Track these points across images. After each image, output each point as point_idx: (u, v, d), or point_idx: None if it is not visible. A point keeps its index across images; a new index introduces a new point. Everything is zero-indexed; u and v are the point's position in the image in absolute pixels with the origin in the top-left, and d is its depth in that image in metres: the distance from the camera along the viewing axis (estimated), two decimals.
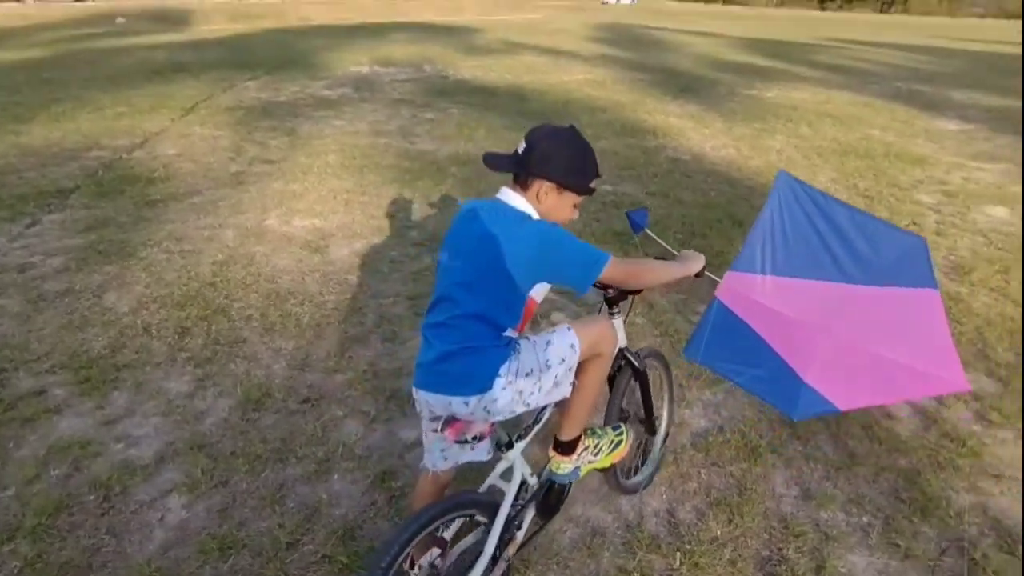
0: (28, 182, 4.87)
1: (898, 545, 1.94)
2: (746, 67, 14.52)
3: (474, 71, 11.63)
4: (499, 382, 1.36)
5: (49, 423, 2.34)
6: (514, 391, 1.38)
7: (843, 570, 1.86)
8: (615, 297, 1.72)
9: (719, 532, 1.97)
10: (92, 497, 2.02)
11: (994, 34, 38.88)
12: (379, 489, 2.09)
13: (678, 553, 1.89)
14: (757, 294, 1.49)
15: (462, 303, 1.38)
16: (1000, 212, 5.13)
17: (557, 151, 1.41)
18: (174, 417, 2.40)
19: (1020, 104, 10.80)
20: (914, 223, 4.73)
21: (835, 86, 11.91)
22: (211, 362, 2.74)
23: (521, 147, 1.41)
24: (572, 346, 1.46)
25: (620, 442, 1.76)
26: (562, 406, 1.61)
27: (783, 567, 1.86)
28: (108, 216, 4.25)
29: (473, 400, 1.36)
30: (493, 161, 1.47)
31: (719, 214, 4.68)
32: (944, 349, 1.45)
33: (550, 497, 1.71)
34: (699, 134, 7.47)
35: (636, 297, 1.80)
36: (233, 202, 4.63)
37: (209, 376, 2.65)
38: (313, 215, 4.44)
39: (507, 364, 1.37)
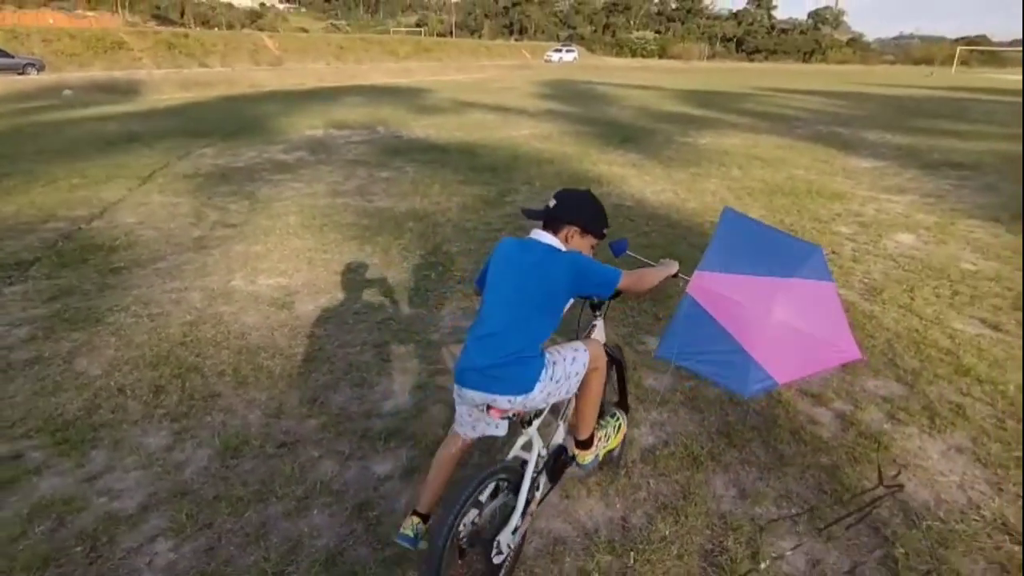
0: None
1: (821, 530, 2.22)
2: (681, 117, 15.56)
3: (426, 130, 12.13)
4: (538, 386, 1.75)
5: (30, 484, 2.42)
6: (546, 392, 1.79)
7: (774, 554, 2.11)
8: (598, 304, 2.21)
9: (667, 532, 2.20)
10: (79, 548, 2.11)
11: (902, 79, 42.45)
12: (357, 519, 2.25)
13: (632, 553, 2.11)
14: (719, 287, 1.91)
15: (510, 319, 1.76)
16: (907, 238, 5.71)
17: (581, 206, 1.92)
18: (154, 469, 2.52)
19: (924, 142, 11.92)
20: (833, 252, 5.23)
21: (763, 131, 12.89)
22: (187, 416, 2.86)
23: (552, 203, 1.89)
24: (584, 363, 1.89)
25: (620, 425, 2.28)
26: (571, 408, 2.09)
27: (723, 557, 2.10)
28: (72, 285, 4.33)
29: (517, 399, 1.74)
30: (531, 214, 1.98)
31: (660, 253, 5.01)
32: (842, 327, 1.92)
33: (557, 465, 2.10)
34: (640, 180, 8.01)
35: (611, 301, 2.16)
36: (198, 266, 4.77)
37: (186, 429, 2.77)
38: (278, 274, 4.62)
39: (544, 372, 1.76)
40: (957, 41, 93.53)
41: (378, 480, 2.47)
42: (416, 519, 1.90)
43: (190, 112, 15.01)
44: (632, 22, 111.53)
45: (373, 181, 7.69)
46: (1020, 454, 2.61)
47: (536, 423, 1.92)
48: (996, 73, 60.20)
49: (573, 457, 2.11)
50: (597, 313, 2.24)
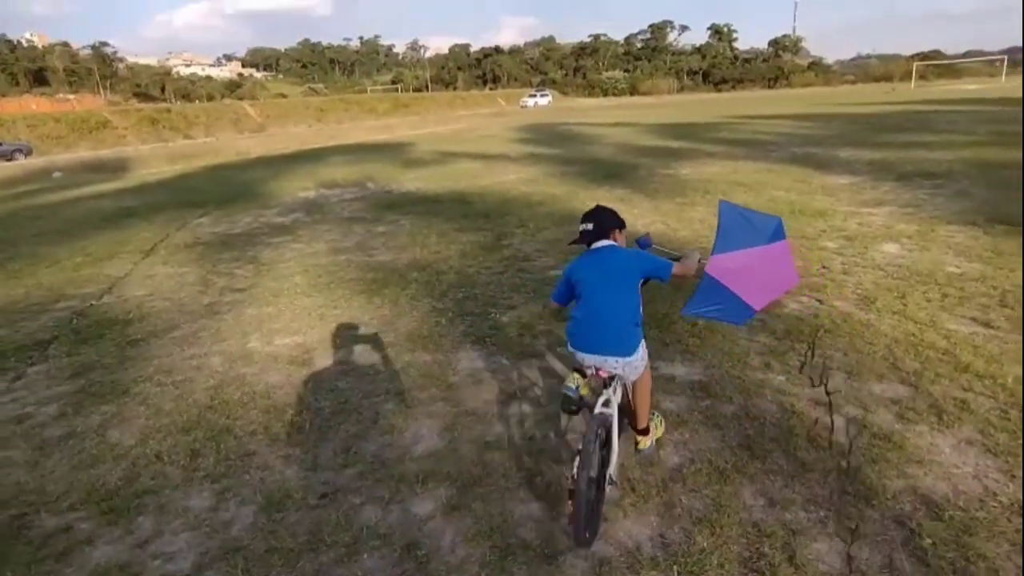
0: (2, 340, 4.99)
1: (851, 529, 2.32)
2: (660, 150, 16.07)
3: (415, 183, 12.47)
4: (637, 352, 2.50)
5: (83, 554, 2.49)
6: (638, 359, 2.52)
7: (810, 556, 2.21)
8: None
9: (705, 544, 2.30)
10: None
11: (865, 97, 43.92)
12: (407, 559, 2.34)
13: (675, 567, 2.21)
14: (726, 263, 2.61)
15: (609, 301, 2.46)
16: (892, 248, 5.95)
17: (609, 216, 2.66)
18: (203, 530, 2.59)
19: (895, 155, 12.39)
20: (824, 267, 5.45)
21: (740, 158, 13.33)
22: (227, 476, 2.94)
23: (590, 226, 2.59)
24: (646, 357, 2.63)
25: (661, 420, 3.02)
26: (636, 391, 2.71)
27: (762, 562, 2.20)
28: (92, 360, 4.43)
29: (621, 359, 2.46)
30: (582, 240, 2.64)
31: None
32: (791, 266, 2.81)
33: (621, 409, 2.69)
34: (629, 214, 8.26)
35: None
36: (213, 331, 4.89)
37: (228, 489, 2.85)
38: (292, 333, 4.74)
39: (640, 344, 2.53)
40: (912, 57, 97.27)
41: (421, 520, 2.56)
42: (578, 376, 2.65)
43: (181, 184, 15.32)
44: (601, 63, 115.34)
45: (371, 236, 7.90)
46: (1021, 446, 2.75)
47: (612, 385, 2.56)
48: (953, 84, 62.51)
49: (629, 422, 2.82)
50: None
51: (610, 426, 2.50)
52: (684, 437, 3.00)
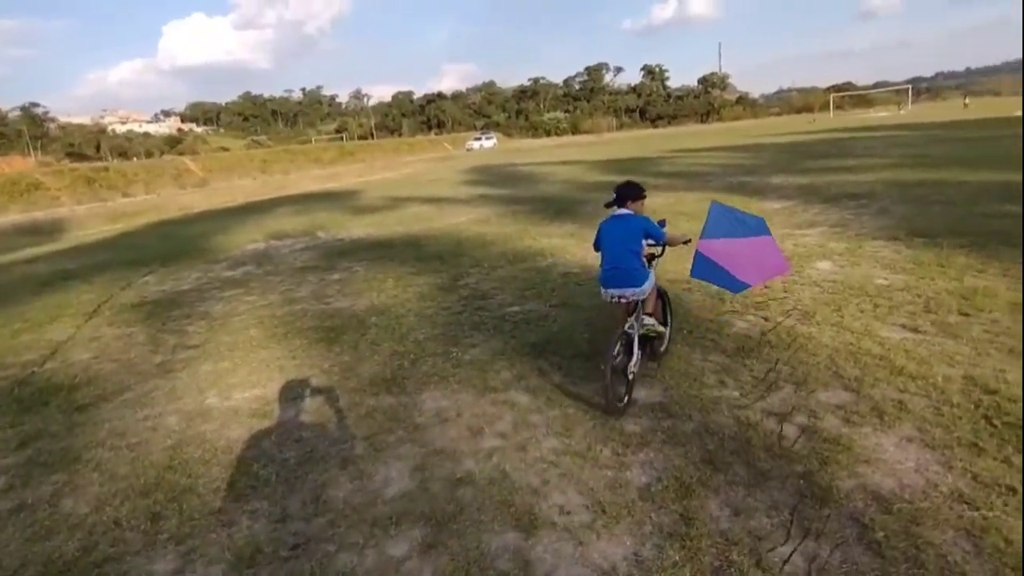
0: None
1: (810, 529, 2.45)
2: (606, 185, 16.61)
3: (367, 229, 12.49)
4: (647, 284, 3.61)
5: None
6: (648, 287, 3.64)
7: (776, 559, 2.32)
8: (656, 255, 4.05)
9: (677, 557, 2.38)
10: None
11: (790, 127, 46.76)
12: None
13: None
14: (715, 247, 3.67)
15: (624, 250, 3.62)
16: (825, 265, 6.33)
17: (631, 189, 3.85)
18: None
19: (821, 179, 13.23)
20: (766, 287, 5.74)
21: (681, 189, 13.94)
22: (191, 537, 2.86)
23: (614, 198, 3.85)
24: (654, 280, 3.79)
25: (664, 324, 4.16)
26: (646, 304, 3.83)
27: (732, 569, 2.29)
28: (39, 429, 4.23)
29: (637, 289, 3.58)
30: (612, 203, 3.86)
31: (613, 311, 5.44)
32: (779, 258, 3.73)
33: (643, 337, 3.85)
34: (581, 248, 8.52)
35: (663, 256, 4.09)
36: (167, 390, 4.75)
37: (194, 550, 2.77)
38: (251, 386, 4.66)
39: (648, 276, 3.65)
40: (828, 89, 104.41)
41: (398, 562, 2.55)
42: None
43: (122, 243, 14.86)
44: (542, 105, 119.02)
45: (326, 284, 7.86)
46: (962, 435, 2.97)
47: (637, 311, 3.74)
48: (866, 113, 67.24)
49: (649, 335, 3.96)
50: (654, 263, 4.03)
51: (632, 339, 3.70)
52: (650, 456, 3.10)
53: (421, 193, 19.51)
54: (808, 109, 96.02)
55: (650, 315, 3.87)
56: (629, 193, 3.86)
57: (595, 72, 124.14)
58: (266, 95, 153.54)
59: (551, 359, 4.50)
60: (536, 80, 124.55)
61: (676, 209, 10.95)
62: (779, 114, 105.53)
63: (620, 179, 14.76)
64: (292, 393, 4.44)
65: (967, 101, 58.47)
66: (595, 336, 4.86)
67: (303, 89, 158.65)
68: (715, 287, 4.07)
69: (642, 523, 2.61)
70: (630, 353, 3.66)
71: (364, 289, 7.32)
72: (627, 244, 3.66)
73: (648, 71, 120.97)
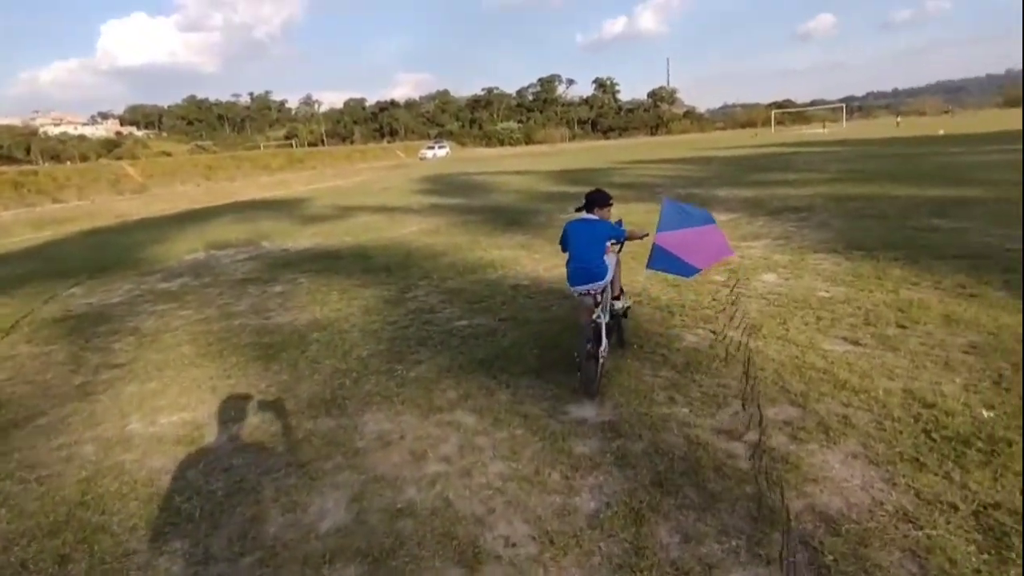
0: None
1: (761, 555, 2.40)
2: (558, 195, 16.70)
3: (313, 239, 12.10)
4: (607, 277, 4.02)
5: None
6: (608, 278, 4.05)
7: None
8: (619, 246, 4.43)
9: None
10: None
11: (734, 141, 48.39)
12: None
13: None
14: (669, 238, 4.04)
15: (589, 251, 3.99)
16: (770, 278, 6.45)
17: (600, 197, 4.25)
18: None
19: (765, 192, 13.62)
20: (713, 299, 5.79)
21: (631, 200, 14.07)
22: None
23: (584, 203, 4.25)
24: (614, 265, 4.28)
25: (628, 301, 4.77)
26: (613, 287, 4.40)
27: None
28: None
29: (602, 282, 3.95)
30: (581, 208, 4.27)
31: (563, 325, 5.37)
32: (724, 243, 4.23)
33: (611, 324, 4.21)
34: (531, 260, 8.45)
35: (624, 245, 4.45)
36: (85, 415, 4.38)
37: None
38: (180, 409, 4.34)
39: (608, 270, 4.04)
40: (770, 106, 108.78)
41: None
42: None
43: (49, 251, 13.94)
44: (496, 115, 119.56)
45: (267, 297, 7.52)
46: (903, 450, 2.99)
47: (602, 303, 4.06)
48: (805, 129, 70.26)
49: (615, 320, 4.48)
50: (619, 248, 4.51)
51: (599, 328, 3.97)
52: (599, 480, 3.00)
53: (371, 202, 19.14)
54: (751, 124, 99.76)
55: (617, 298, 4.51)
56: (598, 200, 4.26)
57: (548, 84, 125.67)
58: (212, 99, 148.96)
59: (499, 377, 4.37)
60: (490, 90, 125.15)
61: (626, 220, 11.01)
62: (724, 128, 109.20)
63: (573, 190, 14.94)
64: (224, 416, 4.15)
65: (899, 120, 61.83)
66: (544, 352, 4.76)
67: (251, 94, 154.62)
68: (663, 299, 5.09)
69: (591, 554, 2.51)
70: (599, 341, 3.94)
71: (307, 302, 7.02)
72: (592, 246, 4.08)
73: (600, 84, 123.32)
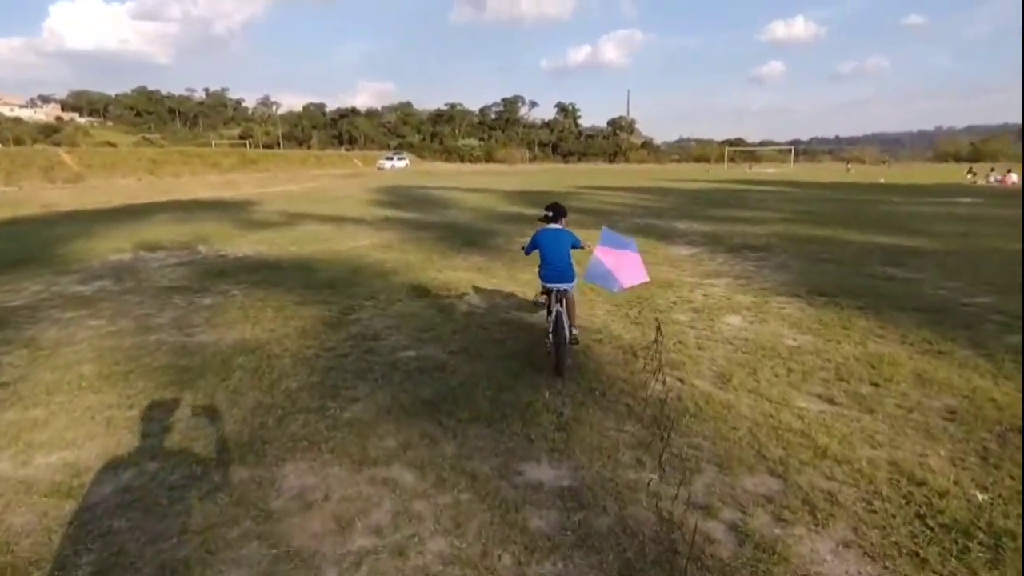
0: None
1: None
2: (517, 217, 16.36)
3: (256, 246, 11.32)
4: (574, 281, 4.84)
5: None
6: (574, 284, 4.88)
7: None
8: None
9: None
10: None
11: (689, 175, 49.58)
12: None
13: None
14: (604, 254, 4.69)
15: (560, 255, 4.76)
16: (735, 320, 6.20)
17: (562, 209, 5.04)
18: None
19: (723, 228, 13.64)
20: (679, 341, 5.47)
21: (590, 226, 13.75)
22: None
23: (551, 214, 4.98)
24: (576, 280, 4.92)
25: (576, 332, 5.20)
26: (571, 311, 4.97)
27: None
28: None
29: (570, 284, 4.79)
30: (544, 220, 5.02)
31: (520, 363, 4.91)
32: (642, 267, 4.79)
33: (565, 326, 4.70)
34: (488, 284, 8.00)
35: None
36: None
37: None
38: (63, 446, 3.65)
39: (575, 278, 4.84)
40: (723, 143, 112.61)
41: None
42: (545, 295, 4.97)
43: None
44: (457, 130, 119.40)
45: (194, 310, 6.79)
46: (900, 540, 2.65)
47: (562, 299, 4.76)
48: (756, 167, 72.75)
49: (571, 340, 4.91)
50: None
51: (560, 317, 4.66)
52: (558, 568, 2.54)
53: (323, 210, 18.34)
54: (705, 159, 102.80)
55: (573, 326, 5.04)
56: (562, 212, 5.11)
57: (511, 104, 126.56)
58: (164, 91, 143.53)
59: (446, 422, 3.87)
60: (453, 105, 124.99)
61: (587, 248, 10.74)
62: (679, 161, 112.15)
63: (531, 212, 14.67)
64: (115, 460, 3.49)
65: (850, 167, 64.59)
66: (498, 395, 4.29)
67: (207, 90, 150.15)
68: (626, 338, 5.45)
69: None
70: (561, 327, 4.66)
71: (238, 319, 6.34)
72: (563, 252, 4.89)
73: (562, 108, 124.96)
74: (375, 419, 3.94)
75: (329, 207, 19.58)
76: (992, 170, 40.50)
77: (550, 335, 4.71)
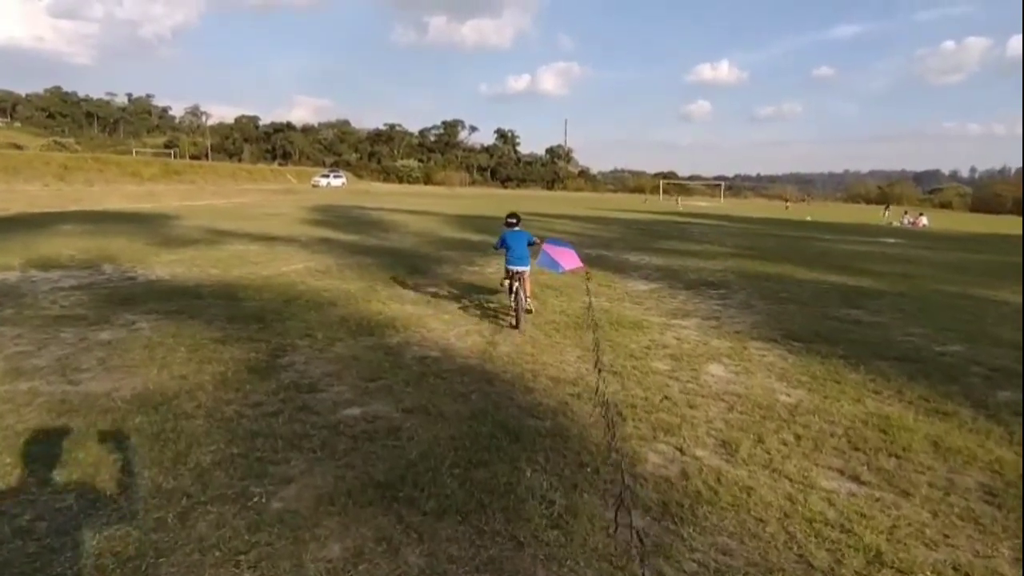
0: None
1: None
2: (462, 243, 15.61)
3: (172, 267, 10.00)
4: (529, 266, 7.18)
5: None
6: (529, 268, 7.19)
7: None
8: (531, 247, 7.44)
9: None
10: None
11: (627, 205, 50.63)
12: None
13: None
14: (550, 247, 7.63)
15: (521, 248, 7.15)
16: (718, 370, 5.66)
17: (518, 217, 7.65)
18: None
19: (675, 262, 13.40)
20: (666, 397, 4.84)
21: None
22: None
23: (514, 220, 7.52)
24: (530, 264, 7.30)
25: (531, 304, 7.60)
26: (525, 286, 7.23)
27: None
28: None
29: (526, 267, 7.11)
30: (508, 225, 7.49)
31: (490, 427, 4.12)
32: (577, 259, 7.72)
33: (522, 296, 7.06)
34: (439, 321, 7.18)
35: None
36: None
37: None
38: None
39: (530, 262, 7.22)
40: (656, 175, 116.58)
41: None
42: (508, 280, 7.17)
43: None
44: (396, 151, 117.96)
45: (86, 348, 5.60)
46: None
47: (520, 279, 6.99)
48: (689, 200, 75.34)
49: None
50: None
51: (519, 292, 6.84)
52: None
53: (252, 228, 16.93)
54: (639, 189, 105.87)
55: (528, 297, 7.25)
56: (519, 219, 7.51)
57: (451, 127, 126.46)
58: (82, 94, 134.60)
59: (407, 516, 3.02)
60: (392, 126, 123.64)
61: (538, 279, 10.07)
62: (615, 191, 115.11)
63: (479, 238, 15.13)
64: None
65: (788, 205, 67.35)
66: (469, 472, 3.48)
67: (130, 95, 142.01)
68: (607, 393, 4.66)
69: None
70: (520, 298, 6.91)
71: (141, 361, 5.23)
72: (522, 246, 7.14)
73: (501, 134, 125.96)
74: (314, 511, 3.04)
75: (259, 225, 18.16)
76: (905, 213, 43.45)
77: (513, 302, 7.05)
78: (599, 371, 5.22)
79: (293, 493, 3.22)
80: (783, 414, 4.56)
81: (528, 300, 7.20)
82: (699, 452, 3.88)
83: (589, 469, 3.58)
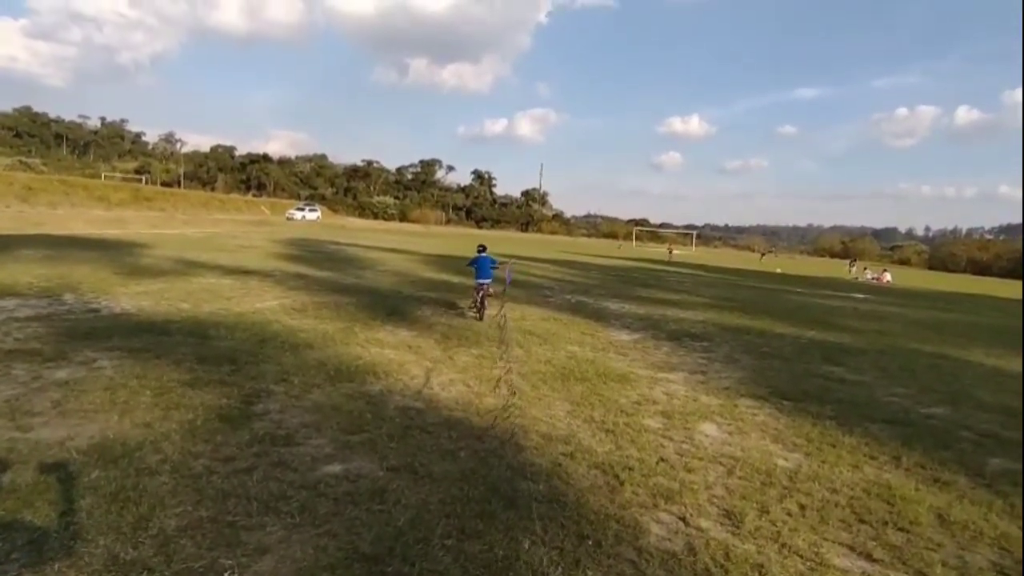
0: None
1: None
2: (442, 284, 15.37)
3: (138, 300, 9.54)
4: (491, 280, 10.92)
5: None
6: (490, 281, 10.85)
7: None
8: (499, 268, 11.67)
9: None
10: None
11: (602, 250, 51.24)
12: None
13: None
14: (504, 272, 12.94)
15: (485, 268, 10.78)
16: (711, 430, 5.51)
17: (485, 247, 11.46)
18: None
19: (656, 311, 13.39)
20: (662, 459, 4.65)
21: (522, 301, 13.13)
22: None
23: (483, 248, 11.29)
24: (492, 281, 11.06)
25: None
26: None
27: None
28: None
29: (489, 281, 10.79)
30: (480, 250, 11.24)
31: (482, 490, 3.86)
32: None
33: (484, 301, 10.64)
34: (421, 368, 6.91)
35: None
36: None
37: None
38: None
39: (492, 278, 11.01)
40: (629, 222, 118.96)
41: None
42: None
43: None
44: (372, 187, 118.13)
45: (40, 388, 5.18)
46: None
47: (483, 290, 10.53)
48: (662, 247, 76.73)
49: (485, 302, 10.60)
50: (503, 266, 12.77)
51: (484, 300, 10.53)
52: None
53: (224, 260, 16.46)
54: (612, 235, 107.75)
55: (490, 294, 10.59)
56: (484, 248, 10.91)
57: (428, 166, 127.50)
58: (53, 115, 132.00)
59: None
60: (370, 162, 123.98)
61: (522, 326, 9.96)
62: (589, 235, 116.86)
63: (459, 279, 14.90)
64: None
65: (763, 257, 68.71)
66: (464, 544, 3.21)
67: (103, 119, 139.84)
68: (600, 452, 4.45)
69: None
70: (483, 305, 10.32)
71: (101, 406, 4.84)
72: (487, 267, 10.54)
73: (478, 175, 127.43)
74: None
75: (232, 257, 17.69)
76: (866, 268, 44.82)
77: (479, 304, 10.38)
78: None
79: (269, 567, 2.90)
80: (784, 480, 4.41)
81: (487, 305, 10.67)
82: (703, 523, 3.68)
83: (591, 542, 3.35)
